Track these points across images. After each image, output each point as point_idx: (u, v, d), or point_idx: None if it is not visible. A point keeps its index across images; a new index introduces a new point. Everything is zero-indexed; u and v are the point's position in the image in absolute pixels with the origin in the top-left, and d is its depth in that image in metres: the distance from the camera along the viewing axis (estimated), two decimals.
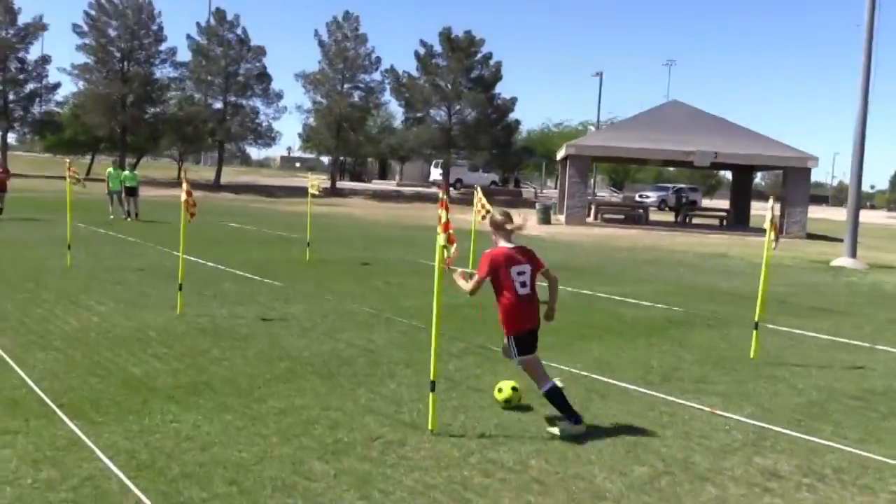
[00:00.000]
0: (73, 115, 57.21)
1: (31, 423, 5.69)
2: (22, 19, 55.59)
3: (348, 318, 10.20)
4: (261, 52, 56.27)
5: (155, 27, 55.98)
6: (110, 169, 25.69)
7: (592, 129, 59.07)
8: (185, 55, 56.94)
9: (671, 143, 34.96)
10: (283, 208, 38.70)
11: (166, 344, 8.29)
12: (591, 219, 37.35)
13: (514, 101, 54.99)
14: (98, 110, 52.89)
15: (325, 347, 8.48)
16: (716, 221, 39.86)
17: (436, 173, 61.67)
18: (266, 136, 58.27)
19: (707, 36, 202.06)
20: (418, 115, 56.13)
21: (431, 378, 5.94)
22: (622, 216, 39.49)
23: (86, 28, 54.72)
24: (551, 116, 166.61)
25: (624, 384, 7.55)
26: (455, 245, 5.83)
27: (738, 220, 40.15)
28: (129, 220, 23.99)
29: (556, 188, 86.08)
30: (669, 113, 37.99)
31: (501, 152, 55.65)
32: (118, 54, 55.39)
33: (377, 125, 63.55)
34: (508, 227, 6.05)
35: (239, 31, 55.93)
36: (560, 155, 41.43)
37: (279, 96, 57.56)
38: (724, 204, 48.20)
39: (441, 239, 5.79)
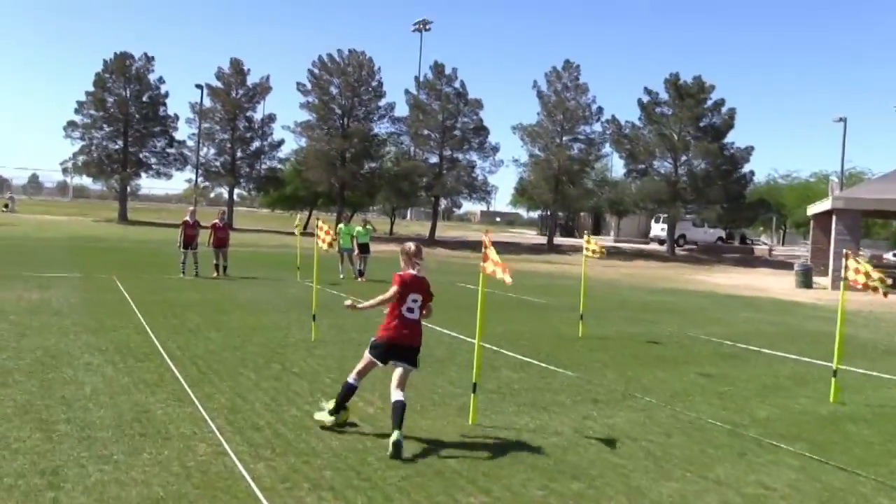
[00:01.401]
0: (294, 170, 58.34)
1: None
2: (250, 80, 57.82)
3: (700, 439, 7.27)
4: (478, 105, 55.02)
5: (374, 83, 56.30)
6: (341, 225, 24.28)
7: (835, 180, 53.01)
8: (402, 110, 56.89)
9: None
10: None
11: (479, 484, 5.69)
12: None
13: (749, 150, 50.36)
14: (319, 166, 53.42)
15: (709, 501, 5.59)
16: None
17: (657, 228, 57.73)
18: (481, 191, 56.66)
19: None
20: (641, 166, 52.71)
21: None
22: (890, 280, 33.90)
23: (309, 86, 55.88)
24: (776, 167, 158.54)
25: None
26: None
27: None
28: (360, 280, 22.26)
29: (782, 244, 79.32)
30: None
31: (733, 206, 50.90)
32: (339, 111, 56.08)
33: (592, 178, 60.52)
34: (417, 259, 6.93)
35: (457, 84, 55.12)
36: (814, 209, 36.68)
37: (495, 149, 55.90)
38: None
39: None
